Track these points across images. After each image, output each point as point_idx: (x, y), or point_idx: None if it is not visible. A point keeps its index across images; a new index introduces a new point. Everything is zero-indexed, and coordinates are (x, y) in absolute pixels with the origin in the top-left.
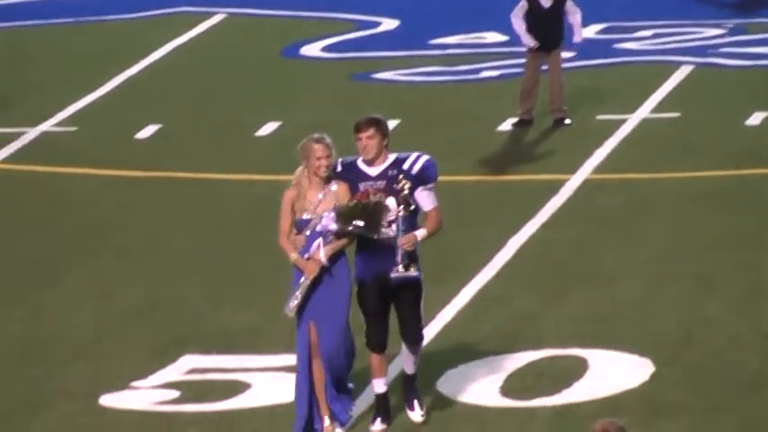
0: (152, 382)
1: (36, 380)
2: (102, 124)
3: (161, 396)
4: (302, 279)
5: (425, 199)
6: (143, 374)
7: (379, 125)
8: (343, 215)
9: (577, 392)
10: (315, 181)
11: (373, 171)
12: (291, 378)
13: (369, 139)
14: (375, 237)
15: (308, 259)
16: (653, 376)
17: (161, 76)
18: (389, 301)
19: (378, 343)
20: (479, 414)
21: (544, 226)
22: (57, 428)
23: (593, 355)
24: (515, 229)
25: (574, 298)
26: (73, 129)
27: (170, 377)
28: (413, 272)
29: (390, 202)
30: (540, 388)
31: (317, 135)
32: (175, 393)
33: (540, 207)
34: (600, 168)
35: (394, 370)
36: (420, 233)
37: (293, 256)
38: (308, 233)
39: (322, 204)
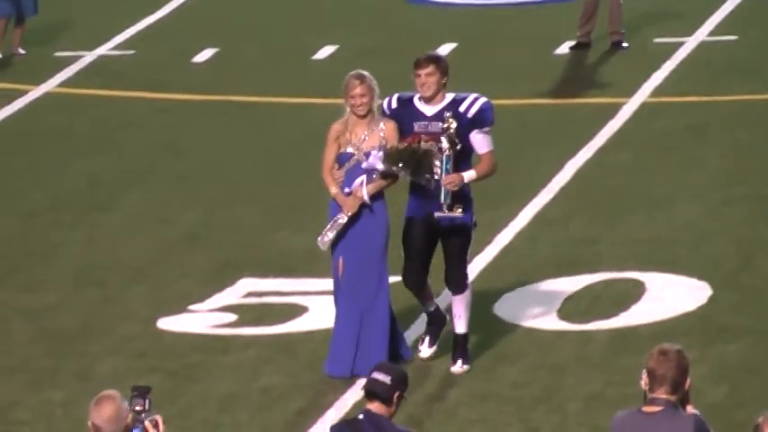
0: (209, 306)
1: (94, 303)
2: (159, 48)
3: (218, 319)
4: (340, 214)
5: (480, 142)
6: (201, 298)
7: (439, 63)
8: (392, 156)
9: (634, 316)
10: (360, 119)
11: (429, 110)
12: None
13: (428, 76)
14: (421, 182)
15: (349, 195)
16: (710, 299)
17: None
18: (434, 244)
19: (412, 280)
20: (536, 337)
21: (601, 149)
22: (115, 351)
23: (650, 278)
24: (573, 152)
25: (631, 221)
26: (130, 52)
27: (227, 300)
28: (457, 212)
29: (441, 147)
30: (597, 311)
31: (357, 72)
32: (233, 317)
33: (598, 131)
34: (657, 91)
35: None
36: (468, 174)
37: (333, 189)
38: (349, 168)
39: (368, 141)
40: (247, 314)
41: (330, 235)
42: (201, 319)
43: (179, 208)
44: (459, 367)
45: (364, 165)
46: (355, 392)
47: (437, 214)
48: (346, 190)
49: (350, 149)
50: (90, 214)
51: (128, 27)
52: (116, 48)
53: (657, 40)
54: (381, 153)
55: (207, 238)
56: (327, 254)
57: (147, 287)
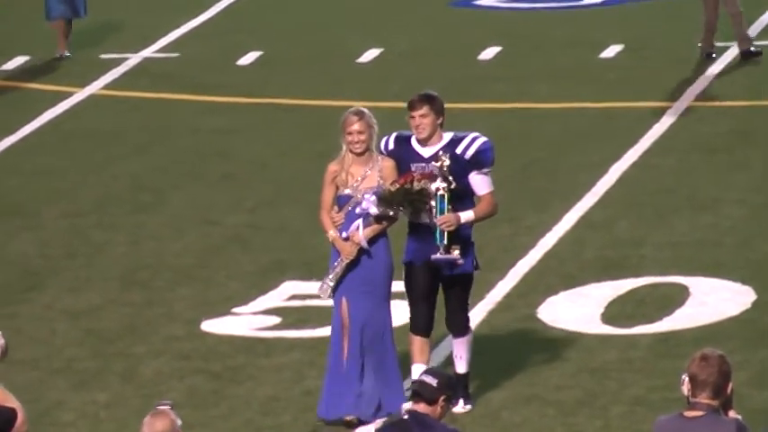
0: (253, 308)
1: (139, 304)
2: (204, 50)
3: (262, 322)
4: (339, 260)
5: (479, 183)
6: (245, 300)
7: (433, 103)
8: (385, 199)
9: (678, 320)
10: (357, 156)
11: (426, 152)
12: (394, 305)
13: (422, 117)
14: (422, 221)
15: (347, 240)
16: (755, 304)
17: (263, 1)
18: (437, 285)
19: (420, 325)
20: (580, 341)
21: (646, 153)
22: (159, 352)
23: (694, 283)
24: (617, 155)
25: (675, 225)
26: (175, 55)
27: (271, 303)
28: (455, 255)
29: (435, 184)
30: (641, 315)
31: (356, 108)
32: (276, 319)
33: (643, 134)
34: (702, 95)
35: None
36: (465, 215)
37: (331, 233)
38: (347, 210)
39: (365, 181)
40: (291, 317)
41: (330, 283)
42: (245, 321)
43: (224, 210)
44: (461, 407)
45: (358, 210)
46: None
47: (433, 257)
48: (344, 234)
49: (347, 191)
50: (135, 216)
51: (173, 29)
52: (161, 50)
53: (702, 44)
54: (374, 197)
55: (252, 241)
56: None
57: (192, 289)
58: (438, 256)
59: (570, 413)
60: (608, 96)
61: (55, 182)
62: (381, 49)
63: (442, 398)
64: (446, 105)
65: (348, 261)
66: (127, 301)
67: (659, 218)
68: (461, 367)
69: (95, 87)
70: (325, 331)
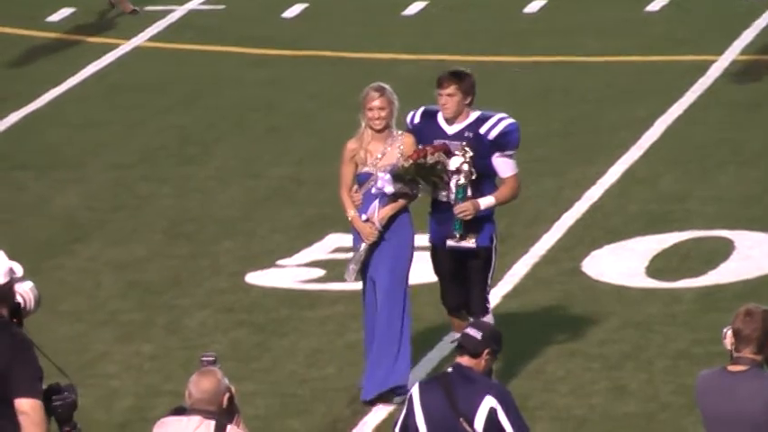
0: (298, 261)
1: (184, 256)
2: (249, 3)
3: (306, 274)
4: (361, 244)
5: (502, 165)
6: (289, 253)
7: (462, 81)
8: (399, 176)
9: (723, 274)
10: (376, 133)
11: (451, 129)
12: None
13: (449, 96)
14: (435, 197)
15: (367, 221)
16: None
17: None
18: (462, 263)
19: (451, 304)
20: (624, 295)
21: (692, 107)
22: (204, 305)
23: (739, 237)
24: (663, 109)
25: (720, 179)
26: (220, 7)
27: (315, 256)
28: (470, 243)
29: (453, 161)
30: (685, 269)
31: (377, 84)
32: (320, 272)
33: (688, 88)
34: (747, 49)
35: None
36: (485, 201)
37: (350, 213)
38: (366, 189)
39: (385, 158)
40: (335, 269)
41: (354, 267)
42: (289, 273)
43: (269, 162)
44: None
45: (374, 190)
46: (441, 350)
47: (448, 243)
48: (363, 216)
49: (366, 169)
50: (180, 168)
51: None
52: (206, 2)
53: None
54: (388, 175)
55: (296, 193)
56: (415, 209)
57: (236, 241)
58: (452, 243)
59: (614, 367)
60: (653, 50)
61: (101, 134)
62: (426, 2)
63: (486, 351)
64: (490, 58)
65: (369, 243)
66: (172, 254)
67: (704, 172)
68: None
69: (141, 39)
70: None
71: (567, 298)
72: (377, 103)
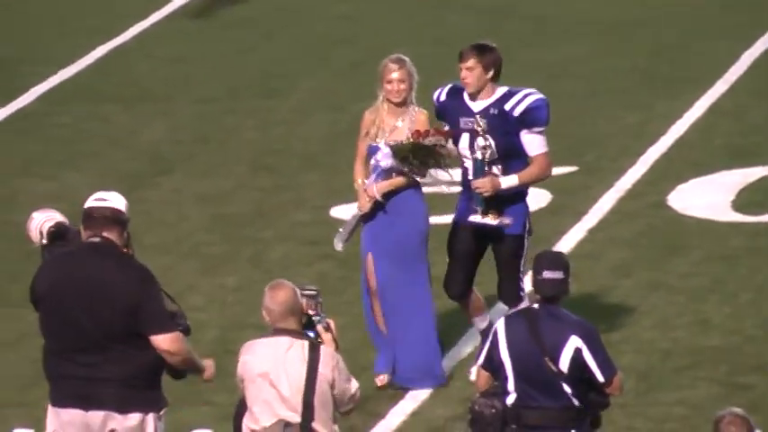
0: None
1: (267, 189)
2: None
3: None
4: (355, 212)
5: (530, 143)
6: None
7: (482, 55)
8: (398, 153)
9: None
10: (393, 106)
11: (476, 106)
12: None
13: (468, 70)
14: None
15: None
16: None
17: None
18: (481, 250)
19: (452, 290)
20: (709, 228)
21: None
22: (287, 238)
23: None
24: (748, 42)
25: None
26: None
27: None
28: (493, 221)
29: (463, 145)
30: None
31: (397, 56)
32: None
33: None
34: None
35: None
36: (507, 180)
37: (358, 182)
38: (372, 162)
39: (394, 133)
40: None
41: (343, 234)
42: None
43: (351, 97)
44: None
45: (373, 161)
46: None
47: (470, 218)
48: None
49: (377, 142)
50: (264, 101)
51: None
52: None
53: None
54: (388, 149)
55: None
56: None
57: (320, 175)
58: (473, 219)
59: (699, 300)
60: None
61: (186, 68)
62: None
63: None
64: None
65: (362, 213)
66: (255, 187)
67: None
68: None
69: None
70: (447, 218)
71: (652, 232)
72: (396, 75)
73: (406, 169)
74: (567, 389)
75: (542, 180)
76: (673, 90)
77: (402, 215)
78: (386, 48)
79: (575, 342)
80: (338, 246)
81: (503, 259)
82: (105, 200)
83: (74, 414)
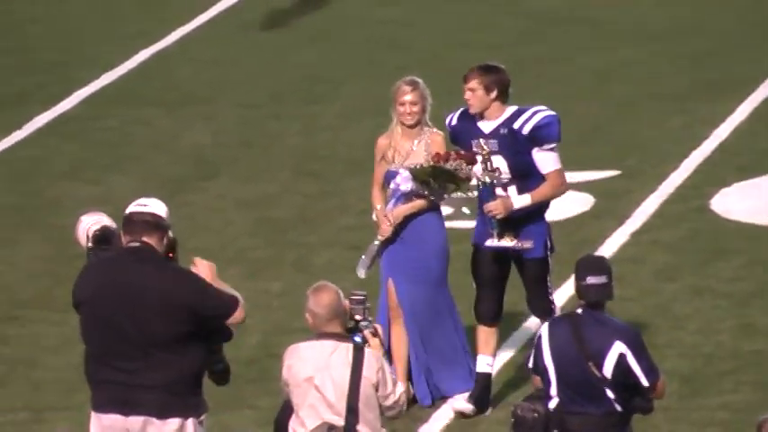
0: None
1: (311, 194)
2: None
3: None
4: (376, 239)
5: (542, 160)
6: None
7: (484, 75)
8: (418, 177)
9: None
10: (407, 129)
11: (486, 126)
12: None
13: (470, 90)
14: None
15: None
16: None
17: None
18: (505, 270)
19: (483, 312)
20: (753, 233)
21: None
22: (331, 243)
23: None
24: None
25: None
26: None
27: None
28: (509, 242)
29: (476, 168)
30: None
31: (410, 78)
32: (448, 209)
33: None
34: None
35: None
36: (520, 200)
37: (378, 207)
38: (392, 186)
39: (411, 157)
40: (460, 207)
41: (366, 261)
42: None
43: None
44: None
45: (392, 186)
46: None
47: (487, 243)
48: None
49: (394, 167)
50: (308, 106)
51: None
52: None
53: None
54: (407, 173)
55: None
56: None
57: (364, 180)
58: (490, 243)
59: (743, 305)
60: None
61: (230, 72)
62: None
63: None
64: None
65: (383, 239)
66: (299, 191)
67: None
68: None
69: None
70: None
71: (696, 236)
72: (409, 97)
73: (426, 192)
74: (611, 394)
75: (557, 197)
76: (716, 94)
77: (422, 238)
78: (434, 52)
79: (619, 348)
80: (361, 273)
81: (529, 282)
82: (146, 205)
83: (114, 419)
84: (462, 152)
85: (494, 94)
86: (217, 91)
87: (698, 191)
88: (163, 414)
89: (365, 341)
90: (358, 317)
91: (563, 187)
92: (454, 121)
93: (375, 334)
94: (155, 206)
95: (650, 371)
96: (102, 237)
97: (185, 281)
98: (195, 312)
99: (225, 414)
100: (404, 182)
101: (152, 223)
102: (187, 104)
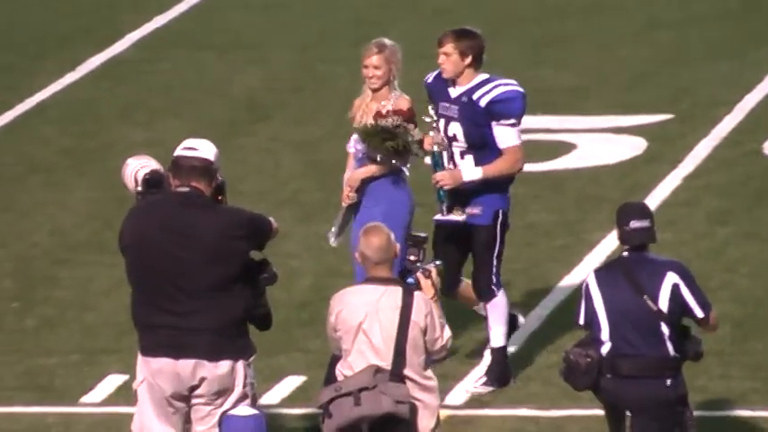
0: None
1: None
2: None
3: None
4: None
5: (499, 135)
6: None
7: (459, 40)
8: (360, 137)
9: None
10: (374, 92)
11: (454, 92)
12: (617, 139)
13: (445, 54)
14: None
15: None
16: None
17: None
18: (461, 247)
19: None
20: None
21: None
22: None
23: None
24: None
25: None
26: None
27: None
28: (456, 216)
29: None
30: None
31: (379, 40)
32: None
33: None
34: None
35: None
36: (471, 172)
37: (346, 174)
38: (352, 150)
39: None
40: None
41: (335, 230)
42: None
43: None
44: (480, 386)
45: (352, 150)
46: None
47: (436, 217)
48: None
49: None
50: (356, 49)
51: None
52: None
53: None
54: (356, 134)
55: None
56: (596, 91)
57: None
58: (439, 217)
59: None
60: None
61: (280, 15)
62: None
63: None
64: None
65: (346, 205)
66: (349, 134)
67: None
68: (492, 340)
69: None
70: (550, 165)
71: (748, 180)
72: (373, 60)
73: (376, 154)
74: (666, 330)
75: (512, 175)
76: (766, 37)
77: (381, 203)
78: None
79: (672, 278)
80: (332, 241)
81: (475, 252)
82: (195, 149)
83: (164, 363)
84: (403, 109)
85: (468, 60)
86: (268, 34)
87: (750, 135)
88: (213, 356)
89: (417, 283)
90: (413, 257)
91: (519, 164)
92: (431, 80)
93: (428, 276)
94: (204, 149)
95: (704, 301)
96: (152, 180)
97: (231, 220)
98: (242, 249)
99: (276, 357)
100: (356, 143)
101: (200, 168)
102: (238, 48)
